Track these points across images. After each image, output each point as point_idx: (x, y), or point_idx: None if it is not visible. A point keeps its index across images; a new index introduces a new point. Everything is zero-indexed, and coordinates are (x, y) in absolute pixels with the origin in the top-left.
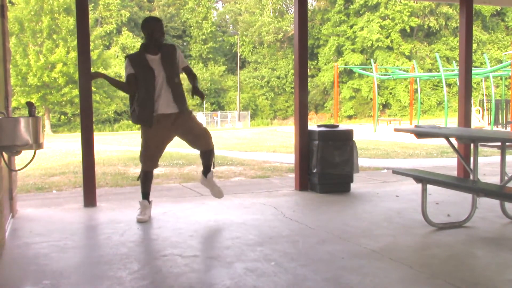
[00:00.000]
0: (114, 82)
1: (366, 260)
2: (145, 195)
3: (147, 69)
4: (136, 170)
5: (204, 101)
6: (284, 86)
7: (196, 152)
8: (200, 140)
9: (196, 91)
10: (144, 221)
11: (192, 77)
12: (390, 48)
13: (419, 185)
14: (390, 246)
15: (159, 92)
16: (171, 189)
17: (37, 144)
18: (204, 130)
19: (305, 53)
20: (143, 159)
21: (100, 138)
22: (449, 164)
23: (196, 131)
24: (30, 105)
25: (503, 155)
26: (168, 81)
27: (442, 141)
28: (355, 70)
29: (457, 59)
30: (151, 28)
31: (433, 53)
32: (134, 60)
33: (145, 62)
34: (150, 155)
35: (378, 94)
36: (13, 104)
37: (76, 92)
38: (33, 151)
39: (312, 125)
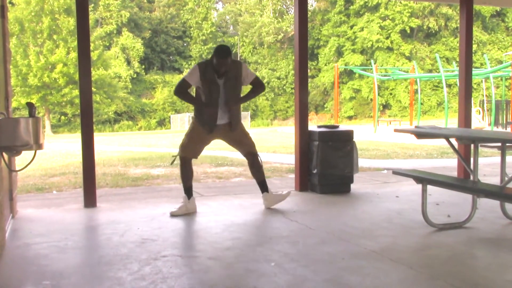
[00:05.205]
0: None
1: (366, 261)
2: (186, 190)
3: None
4: (136, 170)
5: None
6: (284, 87)
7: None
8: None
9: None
10: (176, 215)
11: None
12: (390, 49)
13: (419, 186)
14: (390, 246)
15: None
16: (171, 190)
17: (37, 144)
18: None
19: (305, 53)
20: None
21: (100, 139)
22: (449, 164)
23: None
24: (30, 105)
25: (503, 155)
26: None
27: (442, 142)
28: (355, 70)
29: (457, 60)
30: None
31: (433, 54)
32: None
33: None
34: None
35: (378, 94)
36: (14, 104)
37: (76, 92)
38: (33, 151)
39: (312, 126)
